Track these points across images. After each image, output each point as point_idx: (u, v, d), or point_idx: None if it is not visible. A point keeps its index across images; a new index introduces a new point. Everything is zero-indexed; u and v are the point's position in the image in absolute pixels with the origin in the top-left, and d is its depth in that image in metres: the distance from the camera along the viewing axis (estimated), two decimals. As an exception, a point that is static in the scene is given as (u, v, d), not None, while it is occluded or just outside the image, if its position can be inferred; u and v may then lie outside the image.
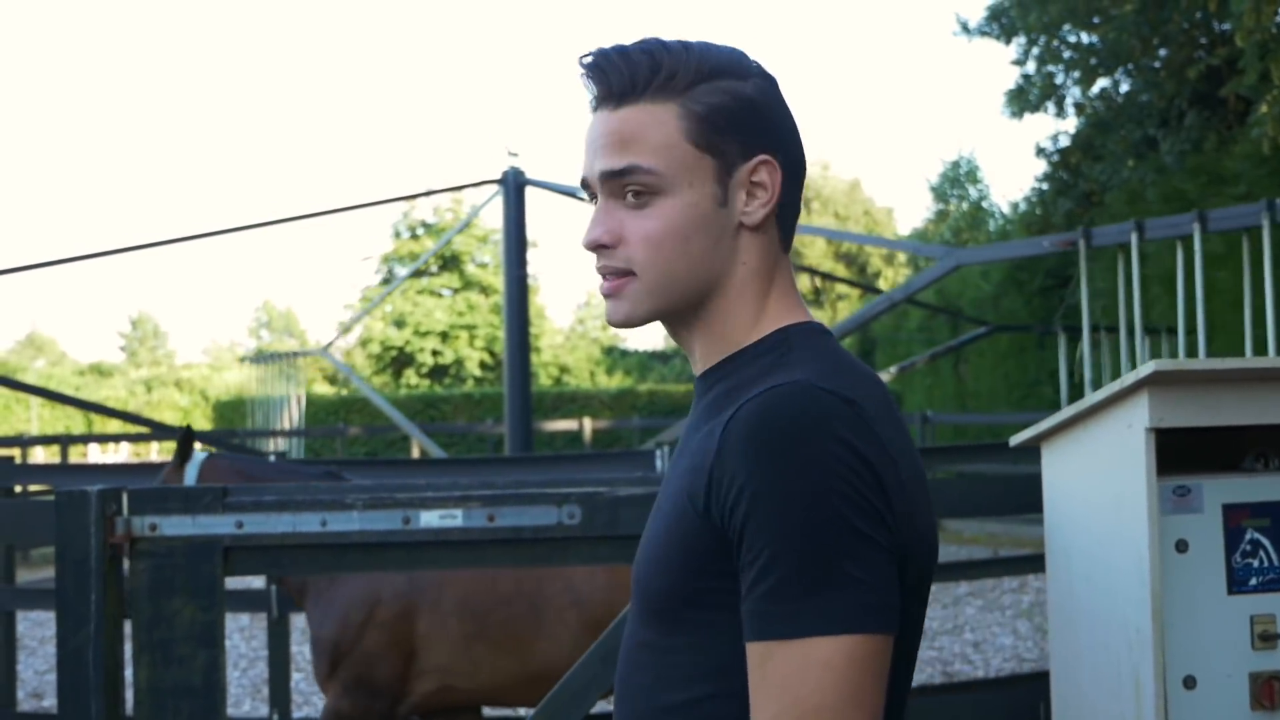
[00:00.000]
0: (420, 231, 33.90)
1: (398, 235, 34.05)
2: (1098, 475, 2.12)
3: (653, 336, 40.28)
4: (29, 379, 33.34)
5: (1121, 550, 2.03)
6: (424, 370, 32.54)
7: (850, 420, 1.13)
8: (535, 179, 9.61)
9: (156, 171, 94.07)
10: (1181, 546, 1.98)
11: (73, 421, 29.49)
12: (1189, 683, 1.96)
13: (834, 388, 1.15)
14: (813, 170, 37.69)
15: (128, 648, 2.31)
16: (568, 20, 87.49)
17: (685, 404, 25.97)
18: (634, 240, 1.25)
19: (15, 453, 14.61)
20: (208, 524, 2.34)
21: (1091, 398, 2.09)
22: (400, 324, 32.34)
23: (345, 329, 18.38)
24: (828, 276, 15.13)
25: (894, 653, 1.16)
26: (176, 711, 2.32)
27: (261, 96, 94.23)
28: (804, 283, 33.45)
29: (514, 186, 9.34)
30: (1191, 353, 5.16)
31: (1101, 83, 17.01)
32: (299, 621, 6.78)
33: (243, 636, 8.55)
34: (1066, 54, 16.96)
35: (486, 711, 4.12)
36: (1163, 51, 15.33)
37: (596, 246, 1.27)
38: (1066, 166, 17.85)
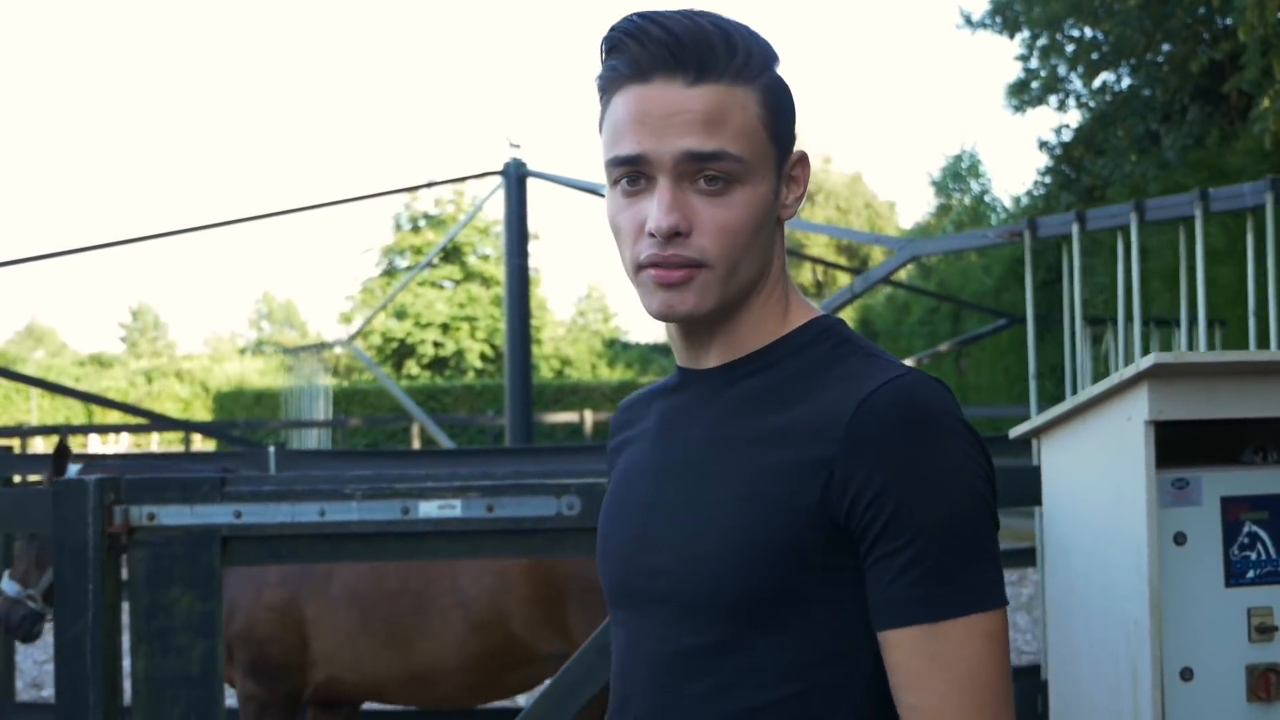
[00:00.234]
0: (422, 223, 33.90)
1: (398, 227, 34.05)
2: (1097, 468, 2.12)
3: (655, 329, 40.23)
4: (29, 369, 33.37)
5: (1120, 543, 2.03)
6: (425, 362, 32.53)
7: (959, 409, 1.18)
8: (537, 171, 9.59)
9: (157, 162, 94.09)
10: (1180, 539, 1.98)
11: (72, 412, 29.50)
12: (1186, 675, 1.96)
13: (936, 379, 1.19)
14: (815, 163, 37.42)
15: (126, 638, 2.31)
16: (570, 12, 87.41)
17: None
18: (708, 229, 1.18)
19: (15, 443, 14.61)
20: (206, 514, 2.34)
21: (1091, 390, 2.09)
22: (401, 315, 32.33)
23: (368, 320, 18.49)
24: (834, 266, 15.08)
25: None
26: (175, 701, 2.32)
27: (263, 88, 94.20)
28: (806, 274, 33.45)
29: (515, 178, 9.34)
30: (1193, 345, 5.10)
31: (1104, 77, 16.99)
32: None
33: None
34: (1070, 48, 16.94)
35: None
36: (1166, 46, 15.32)
37: (674, 234, 1.17)
38: (1069, 161, 17.83)
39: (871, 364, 1.19)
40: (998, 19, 17.75)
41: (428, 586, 3.57)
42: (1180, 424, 2.03)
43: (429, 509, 2.36)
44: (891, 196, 59.76)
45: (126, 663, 2.37)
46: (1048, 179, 18.77)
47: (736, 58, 1.18)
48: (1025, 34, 17.45)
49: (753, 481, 1.18)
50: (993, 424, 14.80)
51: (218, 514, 2.34)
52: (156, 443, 24.02)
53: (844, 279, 34.55)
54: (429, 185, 10.64)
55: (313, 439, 15.82)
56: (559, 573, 3.48)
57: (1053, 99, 17.71)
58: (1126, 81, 16.76)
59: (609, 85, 1.22)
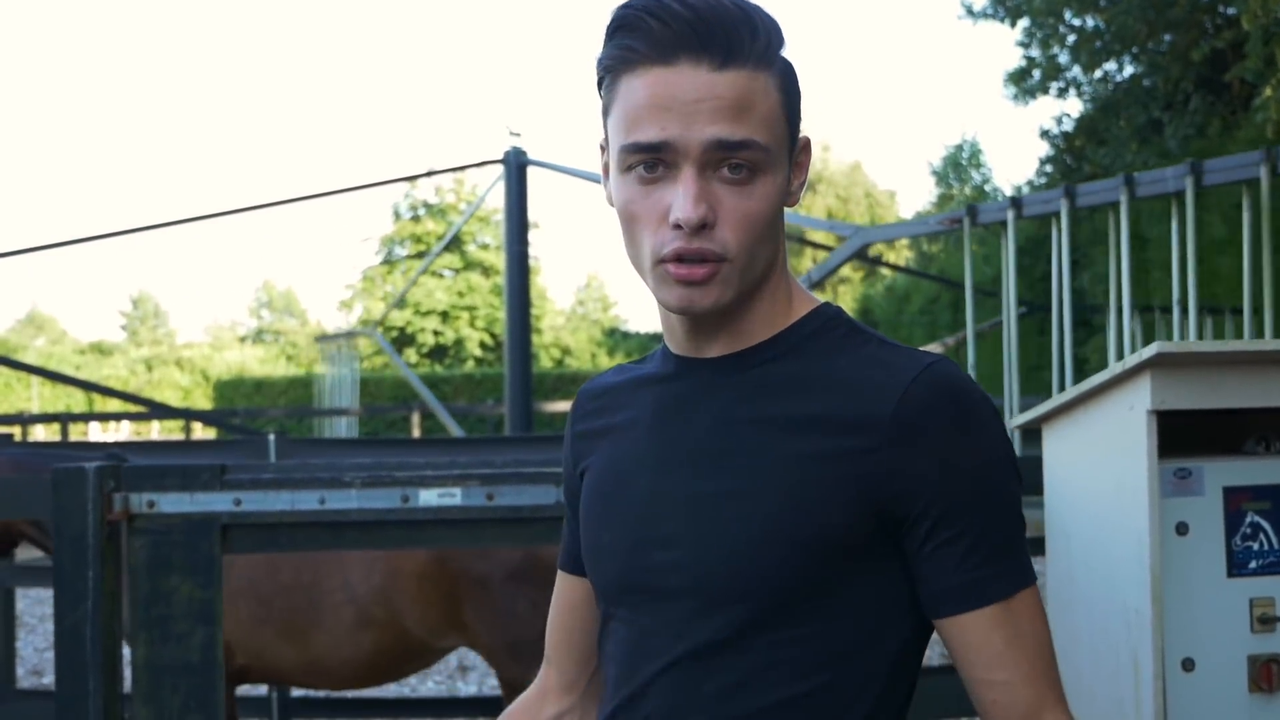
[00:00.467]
0: (421, 212, 33.89)
1: (398, 216, 34.04)
2: (1098, 457, 2.12)
3: (655, 318, 40.26)
4: (29, 358, 33.39)
5: (1121, 533, 2.02)
6: (424, 350, 32.56)
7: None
8: (537, 159, 9.59)
9: (157, 150, 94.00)
10: (1182, 529, 1.98)
11: (73, 400, 29.53)
12: (1187, 665, 1.96)
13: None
14: (815, 151, 37.35)
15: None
16: (571, 2, 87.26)
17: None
18: (730, 220, 1.13)
19: (16, 431, 14.64)
20: (206, 501, 2.33)
21: (1093, 380, 2.08)
22: (401, 304, 32.35)
23: (389, 309, 18.62)
24: (869, 261, 15.09)
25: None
26: (174, 689, 2.32)
27: (262, 77, 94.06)
28: (805, 262, 33.42)
29: (515, 166, 9.34)
30: (1186, 333, 5.03)
31: (1106, 66, 16.96)
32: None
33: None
34: (1071, 38, 16.91)
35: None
36: (1167, 36, 15.28)
37: (701, 226, 1.12)
38: (1070, 150, 17.81)
39: (896, 351, 1.18)
40: (999, 8, 17.71)
41: (319, 581, 3.58)
42: (1182, 414, 2.03)
43: (429, 497, 2.35)
44: (892, 186, 59.68)
45: (127, 650, 2.37)
46: (1049, 168, 18.74)
47: (759, 40, 1.13)
48: (1026, 22, 17.41)
49: (785, 470, 1.15)
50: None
51: (217, 501, 2.34)
52: (157, 431, 24.05)
53: (843, 270, 34.54)
54: (429, 174, 10.66)
55: (343, 427, 15.89)
56: (451, 569, 3.47)
57: (1053, 87, 17.67)
58: (1128, 71, 16.73)
59: (620, 65, 1.14)
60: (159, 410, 12.98)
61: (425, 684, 6.31)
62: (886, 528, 1.14)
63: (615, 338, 38.47)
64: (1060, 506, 2.24)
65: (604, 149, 1.23)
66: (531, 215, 9.57)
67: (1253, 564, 1.99)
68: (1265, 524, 2.00)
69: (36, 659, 7.26)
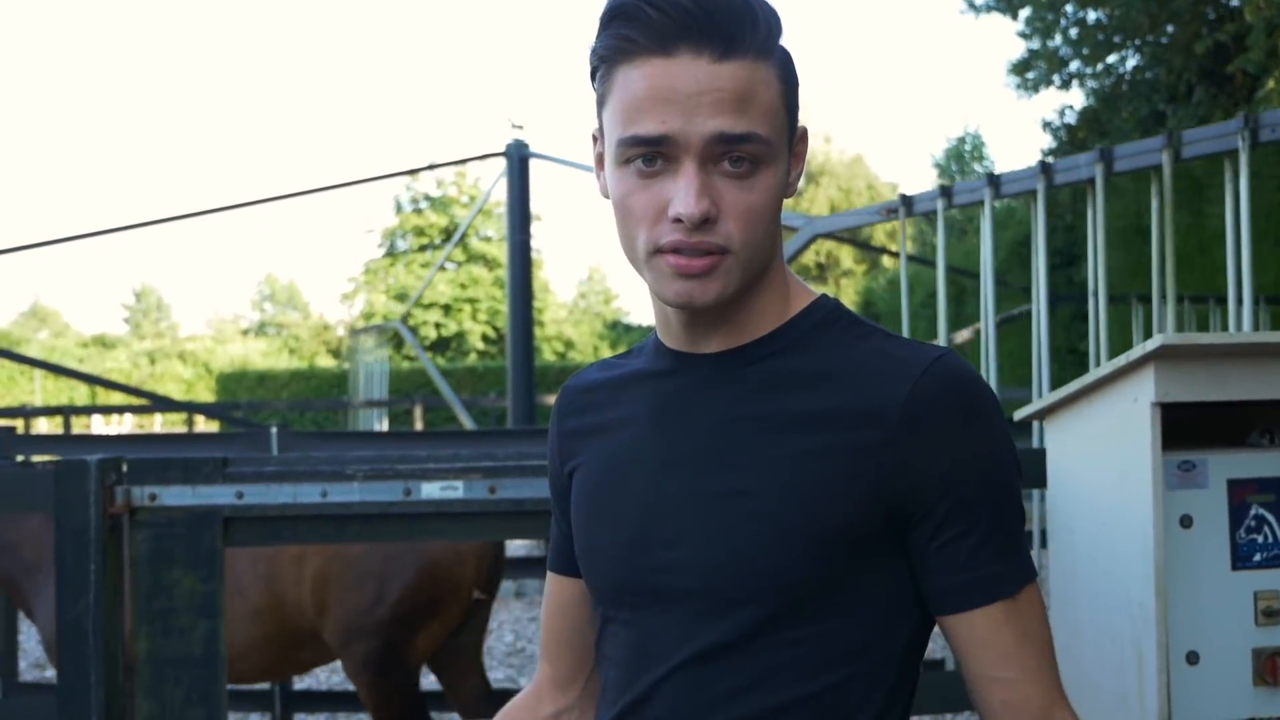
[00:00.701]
0: (423, 205, 33.89)
1: (400, 209, 34.04)
2: (1102, 450, 2.11)
3: (656, 311, 40.19)
4: (32, 351, 33.43)
5: (1125, 525, 2.02)
6: (426, 343, 32.58)
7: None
8: (539, 152, 9.59)
9: (159, 144, 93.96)
10: (1186, 522, 1.97)
11: (76, 393, 29.55)
12: (1192, 658, 1.95)
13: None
14: (816, 143, 37.61)
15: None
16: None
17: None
18: (733, 214, 1.10)
19: (19, 423, 14.64)
20: (208, 494, 2.33)
21: (1097, 372, 2.08)
22: (402, 297, 32.36)
23: (412, 301, 18.68)
24: (862, 246, 15.04)
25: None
26: (177, 681, 2.32)
27: (264, 70, 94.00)
28: (810, 256, 33.38)
29: (517, 159, 9.34)
30: (1180, 323, 4.88)
31: (1109, 58, 16.93)
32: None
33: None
34: (1074, 30, 16.87)
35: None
36: (1170, 28, 15.25)
37: (704, 220, 1.09)
38: (1073, 142, 17.77)
39: (902, 344, 1.17)
40: (1002, 1, 17.66)
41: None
42: (1186, 406, 2.02)
43: (431, 490, 2.35)
44: (894, 178, 59.63)
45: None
46: (1051, 160, 18.69)
47: (760, 29, 1.10)
48: (1028, 13, 17.37)
49: (794, 467, 1.13)
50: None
51: (219, 494, 2.33)
52: (159, 424, 24.07)
53: (846, 263, 34.56)
54: (431, 167, 10.67)
55: (374, 420, 15.95)
56: (326, 553, 3.52)
57: (1056, 79, 17.63)
58: (1131, 63, 16.70)
59: (617, 55, 1.11)
60: (161, 403, 13.00)
61: (425, 678, 6.32)
62: (894, 523, 1.13)
63: (618, 330, 38.47)
64: (1063, 499, 2.24)
65: (597, 140, 1.20)
66: (533, 208, 9.57)
67: (1257, 557, 1.98)
68: (1270, 517, 1.99)
69: (39, 652, 7.26)
